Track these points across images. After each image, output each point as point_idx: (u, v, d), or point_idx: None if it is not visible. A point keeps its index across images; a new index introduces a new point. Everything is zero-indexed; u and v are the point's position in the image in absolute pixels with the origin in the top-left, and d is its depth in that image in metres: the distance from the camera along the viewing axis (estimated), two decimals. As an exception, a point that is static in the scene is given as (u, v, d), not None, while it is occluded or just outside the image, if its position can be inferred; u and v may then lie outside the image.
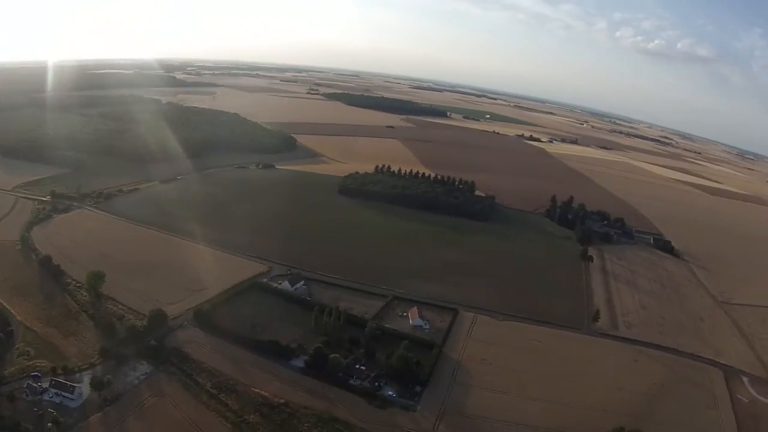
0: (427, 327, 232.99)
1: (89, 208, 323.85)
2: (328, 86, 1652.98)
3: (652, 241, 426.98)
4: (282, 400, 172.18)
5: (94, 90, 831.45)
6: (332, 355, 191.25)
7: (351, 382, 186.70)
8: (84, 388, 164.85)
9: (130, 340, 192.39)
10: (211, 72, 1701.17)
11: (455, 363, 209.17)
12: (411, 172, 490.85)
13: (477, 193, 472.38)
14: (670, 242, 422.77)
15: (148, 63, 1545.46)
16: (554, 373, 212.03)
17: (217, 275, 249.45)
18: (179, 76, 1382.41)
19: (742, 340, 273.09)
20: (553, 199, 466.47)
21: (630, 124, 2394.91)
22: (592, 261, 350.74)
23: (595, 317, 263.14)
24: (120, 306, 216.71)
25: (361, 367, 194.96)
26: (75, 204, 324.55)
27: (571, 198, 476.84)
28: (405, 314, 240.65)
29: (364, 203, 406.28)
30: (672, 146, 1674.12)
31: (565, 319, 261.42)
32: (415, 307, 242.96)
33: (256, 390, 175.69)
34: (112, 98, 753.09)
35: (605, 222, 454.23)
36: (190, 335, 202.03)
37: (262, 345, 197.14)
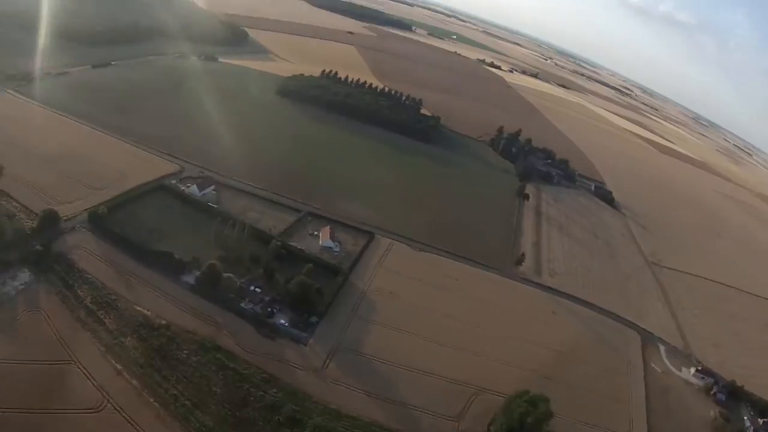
0: (337, 250, 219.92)
1: (10, 91, 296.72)
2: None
3: (593, 189, 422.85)
4: (164, 322, 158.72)
5: None
6: (226, 275, 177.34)
7: (243, 305, 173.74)
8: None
9: (16, 243, 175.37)
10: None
11: (360, 293, 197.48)
12: (358, 81, 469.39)
13: (423, 111, 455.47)
14: (611, 193, 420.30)
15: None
16: (467, 317, 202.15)
17: (124, 173, 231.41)
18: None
19: (665, 306, 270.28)
20: (500, 129, 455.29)
21: (594, 69, 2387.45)
22: (528, 199, 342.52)
23: (519, 260, 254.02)
24: (14, 203, 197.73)
25: (257, 289, 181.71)
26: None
27: (519, 131, 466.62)
28: (316, 233, 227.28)
29: (302, 108, 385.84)
30: (631, 98, 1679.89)
31: (488, 258, 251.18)
32: (329, 227, 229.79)
33: (138, 308, 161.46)
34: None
35: (549, 161, 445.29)
36: (80, 240, 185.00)
37: (154, 256, 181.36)
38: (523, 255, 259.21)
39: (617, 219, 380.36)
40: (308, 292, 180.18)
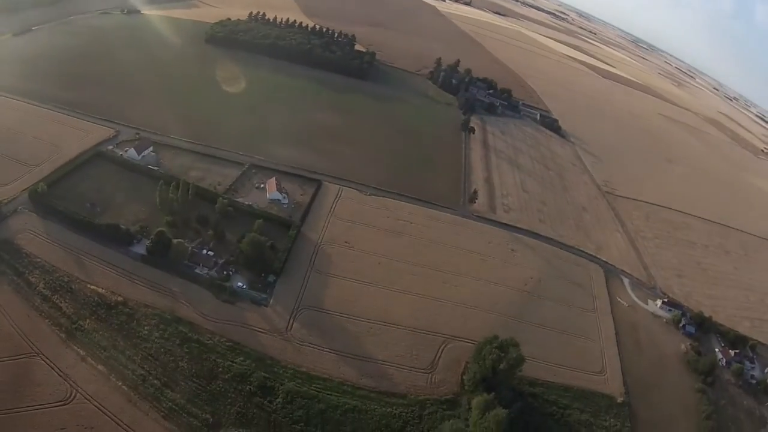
0: (286, 201, 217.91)
1: None
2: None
3: (538, 117, 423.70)
4: (120, 298, 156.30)
5: None
6: (176, 240, 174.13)
7: (197, 271, 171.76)
8: None
9: None
10: None
11: (314, 246, 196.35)
12: (288, 21, 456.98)
13: (357, 48, 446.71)
14: (557, 121, 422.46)
15: None
16: (425, 261, 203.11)
17: (59, 145, 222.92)
18: None
19: (624, 236, 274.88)
20: (438, 62, 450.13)
21: None
22: (474, 133, 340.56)
23: (472, 198, 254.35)
24: None
25: (209, 253, 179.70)
26: None
27: (458, 62, 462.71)
28: (262, 186, 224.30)
29: (232, 54, 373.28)
30: (568, 22, 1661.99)
31: (440, 197, 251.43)
32: (274, 178, 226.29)
33: (92, 287, 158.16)
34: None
35: (491, 91, 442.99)
36: (24, 222, 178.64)
37: (100, 229, 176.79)
38: (475, 192, 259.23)
39: (566, 148, 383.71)
40: (262, 249, 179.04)
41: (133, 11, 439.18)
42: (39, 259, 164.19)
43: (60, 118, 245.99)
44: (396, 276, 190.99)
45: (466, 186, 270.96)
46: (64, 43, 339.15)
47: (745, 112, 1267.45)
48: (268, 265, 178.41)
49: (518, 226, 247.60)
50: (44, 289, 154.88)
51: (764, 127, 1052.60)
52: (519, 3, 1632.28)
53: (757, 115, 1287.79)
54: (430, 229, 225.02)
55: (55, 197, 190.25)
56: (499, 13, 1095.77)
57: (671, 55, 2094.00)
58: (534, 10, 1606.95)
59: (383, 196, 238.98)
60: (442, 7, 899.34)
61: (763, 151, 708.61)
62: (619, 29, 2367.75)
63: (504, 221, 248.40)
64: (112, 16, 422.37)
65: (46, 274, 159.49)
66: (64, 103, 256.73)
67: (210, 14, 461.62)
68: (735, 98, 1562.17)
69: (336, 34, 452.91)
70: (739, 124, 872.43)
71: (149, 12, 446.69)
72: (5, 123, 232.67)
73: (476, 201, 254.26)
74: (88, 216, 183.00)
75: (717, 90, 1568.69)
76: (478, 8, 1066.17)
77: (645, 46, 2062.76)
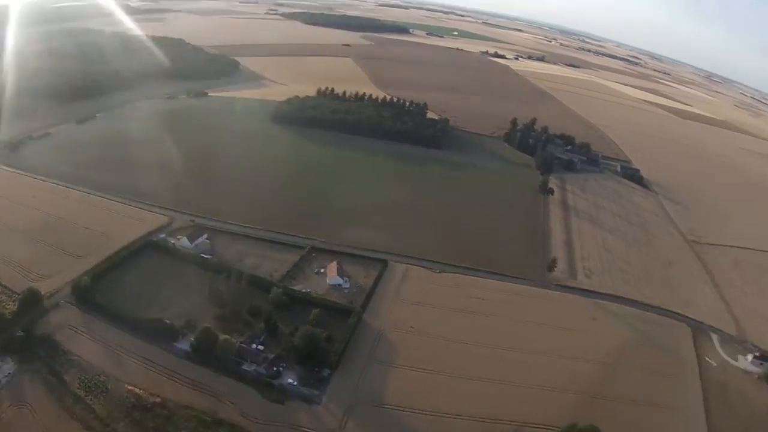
0: (347, 286, 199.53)
1: None
2: (290, 6, 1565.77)
3: (619, 170, 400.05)
4: (158, 399, 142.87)
5: (44, 25, 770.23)
6: (222, 337, 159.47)
7: (244, 367, 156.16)
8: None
9: None
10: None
11: (376, 333, 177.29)
12: (357, 94, 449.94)
13: (430, 115, 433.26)
14: (638, 171, 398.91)
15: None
16: (498, 341, 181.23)
17: (109, 234, 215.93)
18: (133, 3, 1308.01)
19: (713, 288, 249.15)
20: (514, 122, 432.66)
21: (598, 43, 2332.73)
22: (552, 194, 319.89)
23: (552, 266, 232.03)
24: None
25: (259, 347, 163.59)
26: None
27: (534, 120, 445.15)
28: (322, 270, 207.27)
29: (299, 132, 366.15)
30: (641, 66, 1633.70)
31: (516, 268, 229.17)
32: (335, 262, 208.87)
33: (130, 387, 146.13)
34: (50, 32, 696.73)
35: (569, 147, 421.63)
36: (65, 317, 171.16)
37: (143, 325, 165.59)
38: (554, 260, 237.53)
39: (649, 199, 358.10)
40: (316, 342, 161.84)
41: (200, 94, 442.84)
42: (76, 357, 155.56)
43: (113, 206, 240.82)
44: (465, 361, 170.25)
45: (545, 252, 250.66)
46: (124, 129, 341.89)
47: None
48: (323, 359, 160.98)
49: (600, 291, 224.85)
50: (78, 389, 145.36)
51: None
52: (591, 53, 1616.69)
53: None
54: (505, 305, 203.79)
55: (100, 290, 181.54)
56: (573, 65, 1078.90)
57: (745, 85, 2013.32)
58: (606, 58, 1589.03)
59: (454, 272, 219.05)
60: (515, 65, 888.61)
61: None
62: (692, 65, 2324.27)
63: (585, 287, 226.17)
64: (177, 100, 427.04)
65: (82, 373, 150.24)
66: (120, 190, 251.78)
67: (278, 92, 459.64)
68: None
69: (407, 104, 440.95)
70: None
71: (216, 94, 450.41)
72: (57, 212, 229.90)
73: (555, 268, 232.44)
74: (131, 311, 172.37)
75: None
76: (552, 63, 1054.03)
77: (718, 79, 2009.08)
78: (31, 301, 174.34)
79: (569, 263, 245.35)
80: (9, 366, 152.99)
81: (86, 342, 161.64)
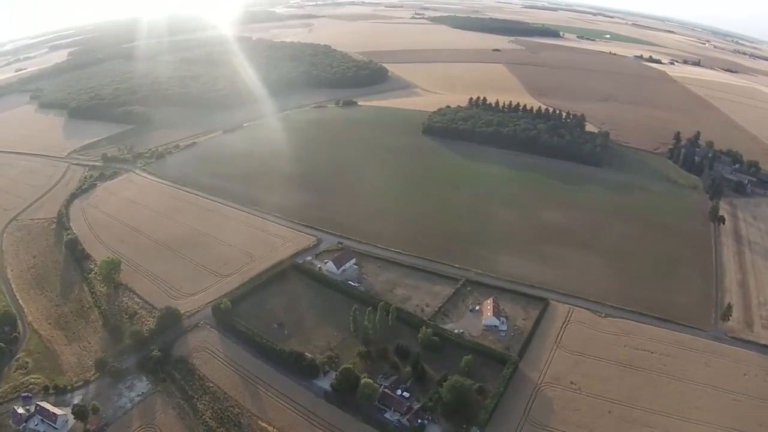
0: (504, 328, 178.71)
1: (137, 171, 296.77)
2: (435, 9, 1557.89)
3: None
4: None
5: (185, 34, 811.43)
6: (364, 380, 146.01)
7: (387, 416, 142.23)
8: (69, 415, 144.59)
9: (133, 347, 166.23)
10: (314, 3, 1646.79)
11: (533, 388, 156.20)
12: (510, 104, 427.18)
13: (588, 128, 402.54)
14: None
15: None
16: (663, 406, 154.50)
17: (252, 254, 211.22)
18: (279, 10, 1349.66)
19: None
20: (677, 136, 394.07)
21: (754, 45, 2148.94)
22: (723, 223, 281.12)
23: (726, 314, 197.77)
24: (136, 298, 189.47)
25: (404, 394, 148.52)
26: (124, 167, 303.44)
27: (698, 134, 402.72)
28: (477, 308, 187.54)
29: (451, 145, 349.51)
30: None
31: (687, 313, 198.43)
32: (491, 299, 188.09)
33: (263, 423, 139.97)
34: (199, 40, 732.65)
35: (736, 166, 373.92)
36: (203, 339, 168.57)
37: (283, 356, 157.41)
38: (730, 306, 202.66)
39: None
40: (465, 396, 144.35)
41: (349, 103, 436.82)
42: (211, 384, 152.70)
43: (256, 222, 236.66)
44: (626, 429, 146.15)
45: (718, 295, 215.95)
46: (270, 139, 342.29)
47: None
48: (473, 414, 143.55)
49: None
50: (211, 419, 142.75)
51: None
52: (747, 56, 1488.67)
53: None
54: (673, 360, 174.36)
55: (240, 314, 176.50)
56: (730, 71, 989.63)
57: None
58: (764, 61, 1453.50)
59: (620, 317, 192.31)
60: (672, 71, 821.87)
61: None
62: None
63: (763, 342, 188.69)
64: (326, 110, 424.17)
65: (215, 402, 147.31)
66: (263, 204, 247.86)
67: (428, 102, 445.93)
68: None
69: (564, 115, 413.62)
70: None
71: (365, 103, 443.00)
72: (201, 226, 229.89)
73: (731, 317, 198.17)
74: (271, 339, 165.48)
75: None
76: (708, 68, 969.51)
77: None
78: (170, 319, 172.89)
79: (745, 310, 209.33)
80: (143, 385, 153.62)
81: (223, 369, 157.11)
